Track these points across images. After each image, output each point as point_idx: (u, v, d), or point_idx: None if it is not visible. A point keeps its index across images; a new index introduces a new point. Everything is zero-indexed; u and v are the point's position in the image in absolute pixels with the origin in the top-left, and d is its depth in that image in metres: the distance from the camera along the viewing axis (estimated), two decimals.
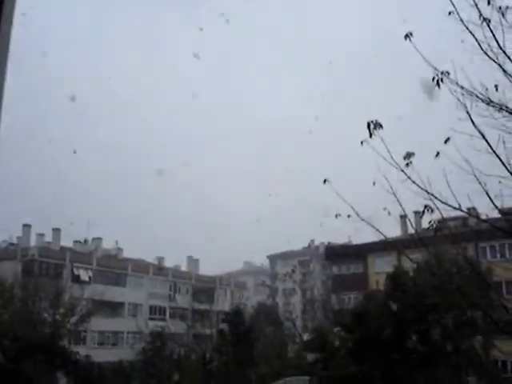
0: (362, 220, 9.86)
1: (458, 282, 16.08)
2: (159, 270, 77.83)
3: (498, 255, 42.96)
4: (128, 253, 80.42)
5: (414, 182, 9.52)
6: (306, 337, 50.64)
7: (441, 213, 9.80)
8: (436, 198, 9.58)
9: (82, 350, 44.52)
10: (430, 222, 9.87)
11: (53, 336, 44.81)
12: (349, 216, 9.87)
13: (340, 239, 67.99)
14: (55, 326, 49.31)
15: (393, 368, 29.29)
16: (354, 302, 44.69)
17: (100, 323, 61.12)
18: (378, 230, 10.20)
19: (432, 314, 30.57)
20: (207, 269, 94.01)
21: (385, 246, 49.04)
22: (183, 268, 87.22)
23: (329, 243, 79.06)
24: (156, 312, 74.23)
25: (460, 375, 30.51)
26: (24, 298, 50.80)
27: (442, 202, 9.60)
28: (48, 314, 50.20)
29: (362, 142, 9.48)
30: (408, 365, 29.36)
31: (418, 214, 10.28)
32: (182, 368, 42.92)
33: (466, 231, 36.05)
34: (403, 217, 10.70)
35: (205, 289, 79.31)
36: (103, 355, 56.23)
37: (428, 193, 9.56)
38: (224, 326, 42.09)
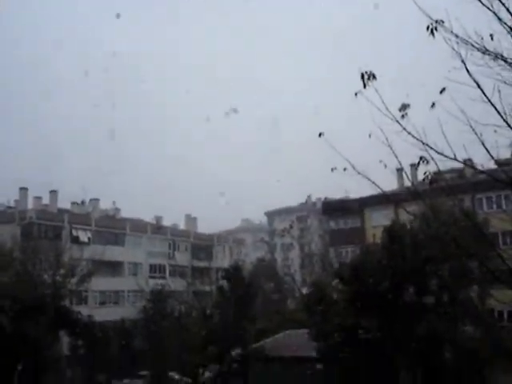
0: (359, 173, 9.83)
1: (455, 233, 16.16)
2: (157, 228, 78.15)
3: (495, 206, 43.09)
4: (126, 213, 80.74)
5: (409, 133, 9.48)
6: (304, 291, 51.20)
7: (436, 164, 9.79)
8: (431, 148, 9.54)
9: (83, 310, 44.91)
10: (425, 173, 9.86)
11: (54, 297, 45.23)
12: (345, 169, 9.84)
13: (337, 194, 68.13)
14: (56, 287, 49.68)
15: (390, 319, 29.70)
16: (351, 255, 44.98)
17: (101, 283, 61.65)
18: (374, 182, 10.19)
19: (428, 266, 30.83)
20: (205, 227, 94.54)
21: (381, 200, 49.23)
22: (181, 227, 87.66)
23: (326, 198, 79.28)
24: (156, 270, 74.82)
25: (456, 325, 30.94)
26: (24, 260, 51.04)
27: (438, 153, 9.57)
28: (48, 276, 50.51)
29: (356, 94, 9.39)
30: (405, 316, 29.75)
31: (414, 167, 10.23)
32: (182, 325, 43.38)
33: (462, 183, 36.12)
34: (399, 170, 10.65)
35: (203, 246, 79.84)
36: (105, 314, 56.89)
37: (423, 143, 9.52)
38: (223, 283, 42.39)
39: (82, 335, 45.73)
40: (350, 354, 29.87)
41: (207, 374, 43.43)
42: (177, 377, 41.97)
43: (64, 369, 42.68)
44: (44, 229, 62.87)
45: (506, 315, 36.87)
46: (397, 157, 9.70)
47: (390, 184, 16.11)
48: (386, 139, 9.56)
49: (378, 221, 49.07)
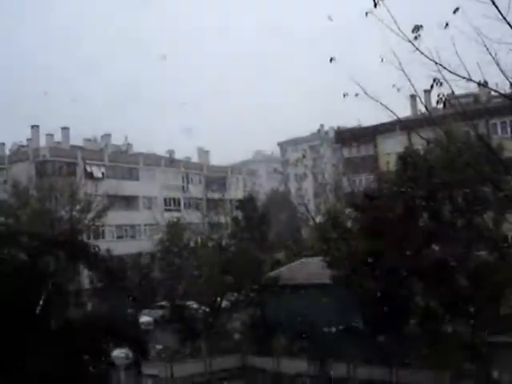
0: (371, 98, 9.59)
1: (469, 159, 15.98)
2: (170, 162, 78.27)
3: (510, 131, 42.57)
4: (138, 148, 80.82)
5: (422, 53, 9.18)
6: (318, 219, 51.54)
7: (450, 86, 9.52)
8: (445, 68, 9.25)
9: (101, 244, 45.18)
10: (438, 95, 9.61)
11: (71, 232, 45.94)
12: (357, 95, 9.61)
13: (350, 123, 67.52)
14: (73, 223, 50.47)
15: (403, 244, 29.85)
16: (365, 183, 45.01)
17: (117, 217, 62.41)
18: (387, 107, 9.97)
19: (443, 192, 30.72)
20: (218, 159, 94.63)
21: (395, 127, 48.87)
22: (194, 159, 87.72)
23: (338, 127, 78.62)
24: (170, 203, 75.42)
25: (470, 250, 31.05)
26: (40, 197, 51.67)
27: (451, 73, 9.28)
28: (65, 212, 51.22)
29: (366, 13, 9.05)
30: (419, 242, 29.88)
31: (428, 93, 9.98)
32: (199, 256, 44.01)
33: (476, 108, 35.52)
34: (413, 96, 10.39)
35: (217, 179, 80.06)
36: (122, 248, 57.79)
37: (436, 63, 9.22)
38: (238, 214, 42.72)
39: (101, 268, 46.64)
40: (364, 280, 30.19)
41: (224, 303, 44.34)
42: (195, 306, 42.85)
43: (85, 303, 43.68)
44: (58, 166, 63.20)
45: None
46: (410, 80, 9.45)
47: (403, 111, 15.85)
48: (399, 63, 9.29)
49: (391, 148, 48.73)
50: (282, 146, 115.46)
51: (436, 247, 29.51)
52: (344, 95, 9.89)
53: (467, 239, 30.74)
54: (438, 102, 9.81)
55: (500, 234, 31.85)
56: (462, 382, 26.24)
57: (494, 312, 30.77)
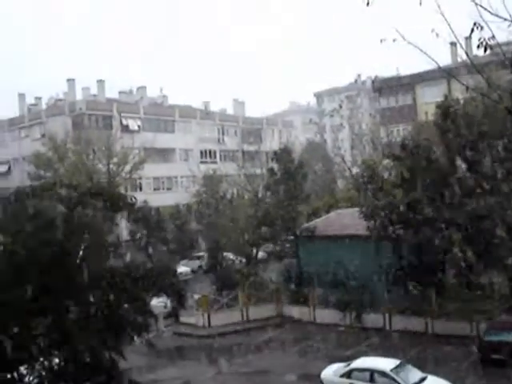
0: (409, 43, 9.29)
1: (511, 107, 15.47)
2: (206, 114, 78.13)
3: None
4: (173, 100, 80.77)
5: None
6: (354, 170, 51.13)
7: (491, 30, 9.15)
8: (485, 9, 8.88)
9: (138, 196, 46.01)
10: (479, 39, 9.24)
11: (109, 184, 46.59)
12: (394, 40, 9.32)
13: (387, 72, 66.19)
14: (110, 175, 51.10)
15: (442, 196, 29.50)
16: (402, 134, 44.27)
17: (153, 170, 62.93)
18: (425, 53, 9.64)
19: (482, 142, 30.08)
20: (254, 111, 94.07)
21: (434, 76, 47.69)
22: (229, 111, 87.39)
23: (376, 76, 77.14)
24: (206, 155, 75.64)
25: (510, 202, 30.50)
26: (77, 150, 52.31)
27: (492, 14, 8.90)
28: (102, 165, 51.83)
29: None
30: (457, 192, 29.47)
31: (469, 40, 9.60)
32: (235, 207, 44.30)
33: None
34: (453, 44, 10.02)
35: (252, 130, 79.75)
36: (159, 200, 58.52)
37: (476, 4, 8.84)
38: (274, 165, 42.55)
39: (139, 220, 47.35)
40: (401, 231, 30.04)
41: (261, 254, 44.74)
42: (231, 257, 43.37)
43: (124, 253, 44.50)
44: (94, 119, 63.67)
45: None
46: (450, 25, 9.11)
47: (443, 60, 15.37)
48: (438, 6, 8.95)
49: (430, 97, 47.75)
50: (318, 96, 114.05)
51: (475, 198, 29.04)
52: (381, 41, 9.60)
53: (507, 190, 30.16)
54: (478, 47, 9.45)
55: None
56: (496, 332, 26.12)
57: None
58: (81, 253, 17.07)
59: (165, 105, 78.67)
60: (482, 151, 30.24)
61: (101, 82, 70.60)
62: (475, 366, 25.45)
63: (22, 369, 15.69)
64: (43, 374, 15.82)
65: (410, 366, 22.69)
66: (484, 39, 9.25)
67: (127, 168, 53.82)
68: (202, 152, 75.60)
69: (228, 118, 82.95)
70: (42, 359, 15.73)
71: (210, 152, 76.58)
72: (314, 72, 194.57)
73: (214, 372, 27.92)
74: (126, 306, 16.76)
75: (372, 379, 21.84)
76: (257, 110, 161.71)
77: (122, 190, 46.78)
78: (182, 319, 36.24)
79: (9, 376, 15.49)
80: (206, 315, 35.38)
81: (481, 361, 25.58)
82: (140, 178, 61.50)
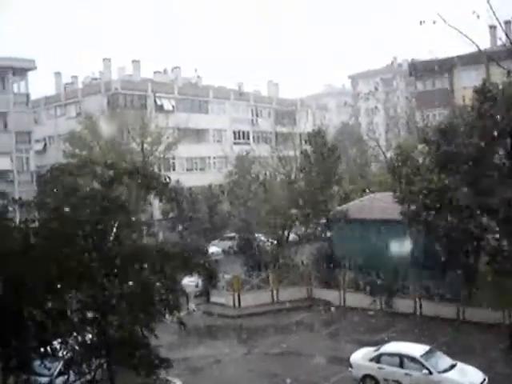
0: (449, 26, 9.10)
1: None
2: (240, 95, 77.98)
3: None
4: (207, 80, 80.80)
5: None
6: (389, 154, 50.62)
7: None
8: None
9: (171, 176, 46.37)
10: None
11: (143, 164, 46.91)
12: (434, 22, 9.13)
13: (424, 55, 65.11)
14: (144, 155, 51.46)
15: (478, 182, 29.04)
16: (439, 118, 43.57)
17: (187, 150, 63.19)
18: (466, 36, 9.45)
19: None
20: (288, 92, 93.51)
21: (472, 59, 46.68)
22: (263, 93, 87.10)
23: (412, 59, 75.96)
24: (240, 136, 75.63)
25: None
26: (112, 129, 52.74)
27: None
28: (136, 144, 52.21)
29: None
30: (494, 179, 28.99)
31: (510, 24, 9.37)
32: (268, 189, 44.24)
33: None
34: (493, 27, 9.80)
35: (286, 112, 79.29)
36: (192, 180, 58.83)
37: None
38: (307, 147, 42.34)
39: (172, 199, 47.57)
40: (435, 217, 29.69)
41: (292, 237, 44.70)
42: (263, 238, 43.44)
43: (156, 232, 44.97)
44: (129, 99, 64.08)
45: None
46: (491, 7, 8.87)
47: (482, 44, 15.04)
48: None
49: (468, 81, 46.74)
50: (354, 78, 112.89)
51: (511, 185, 28.52)
52: (421, 22, 9.43)
53: None
54: None
55: None
56: None
57: None
58: (115, 230, 17.29)
59: (199, 85, 78.74)
60: None
61: (136, 62, 70.95)
62: (506, 355, 25.20)
63: (56, 343, 16.02)
64: (76, 348, 16.15)
65: (439, 353, 22.57)
66: None
67: (161, 148, 54.10)
68: (235, 133, 75.59)
69: (262, 99, 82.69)
70: (75, 334, 16.04)
71: (243, 133, 76.53)
72: (349, 54, 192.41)
73: (243, 352, 28.13)
74: (158, 284, 16.96)
75: (401, 364, 21.79)
76: (291, 92, 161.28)
77: (156, 170, 47.06)
78: (213, 299, 36.60)
79: (42, 349, 15.84)
80: (236, 295, 35.61)
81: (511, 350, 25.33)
82: (173, 158, 61.84)
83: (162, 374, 17.50)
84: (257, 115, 79.16)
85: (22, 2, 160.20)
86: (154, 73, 75.79)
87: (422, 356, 21.68)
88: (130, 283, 16.42)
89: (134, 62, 70.99)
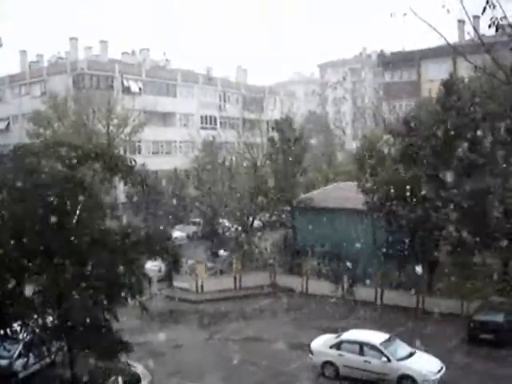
0: (420, 19, 9.17)
1: None
2: (208, 79, 77.45)
3: None
4: (176, 64, 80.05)
5: None
6: (355, 144, 51.02)
7: (503, 10, 9.03)
8: None
9: (137, 159, 45.87)
10: (491, 18, 9.11)
11: (108, 146, 46.33)
12: (405, 15, 9.20)
13: (393, 47, 65.61)
14: (110, 137, 50.85)
15: (441, 173, 29.47)
16: (405, 109, 44.01)
17: (153, 133, 62.65)
18: (435, 29, 9.53)
19: (485, 123, 29.96)
20: (256, 79, 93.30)
21: (440, 53, 47.22)
22: (232, 78, 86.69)
23: (381, 51, 76.51)
24: (207, 121, 75.19)
25: (508, 183, 30.55)
26: (77, 110, 51.94)
27: None
28: (102, 126, 51.51)
29: None
30: (456, 171, 29.45)
31: (477, 19, 9.47)
32: (233, 174, 44.20)
33: None
34: (461, 21, 9.91)
35: (254, 98, 79.21)
36: (158, 164, 58.31)
37: None
38: (274, 134, 42.37)
39: (137, 182, 47.03)
40: (398, 208, 30.08)
41: (256, 223, 44.82)
42: (227, 224, 43.46)
43: (120, 215, 44.58)
44: (95, 79, 63.07)
45: None
46: (461, 2, 8.96)
47: (449, 38, 15.17)
48: None
49: (434, 75, 47.32)
50: (322, 67, 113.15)
51: (474, 178, 29.03)
52: (391, 15, 9.49)
53: (506, 172, 30.16)
54: (490, 26, 9.34)
55: None
56: (486, 312, 26.42)
57: None
58: (78, 213, 17.09)
59: (167, 68, 77.96)
60: (483, 131, 30.13)
61: (103, 43, 69.84)
62: (463, 345, 25.77)
63: (16, 325, 15.83)
64: (36, 331, 15.98)
65: (398, 341, 22.94)
66: (496, 18, 9.13)
67: (127, 130, 53.55)
68: (202, 117, 75.13)
69: (230, 84, 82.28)
70: (35, 316, 15.86)
71: (210, 118, 76.12)
72: (318, 43, 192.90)
73: (205, 337, 28.18)
74: (120, 267, 16.85)
75: (361, 352, 22.10)
76: (259, 79, 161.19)
77: (121, 152, 46.57)
78: (176, 284, 36.51)
79: (2, 331, 15.64)
80: (199, 281, 35.61)
81: (469, 340, 25.90)
82: (139, 141, 61.24)
83: (123, 358, 17.46)
84: (225, 100, 78.78)
85: None
86: (122, 54, 74.72)
87: (381, 344, 22.02)
88: (93, 266, 16.29)
89: (101, 42, 69.85)
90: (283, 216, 41.83)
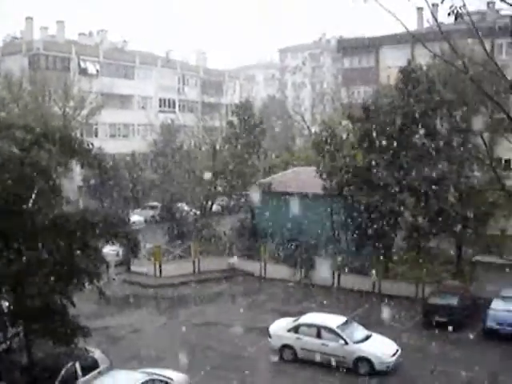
0: (380, 5, 9.21)
1: (473, 75, 15.64)
2: (167, 62, 76.58)
3: None
4: (134, 46, 78.89)
5: None
6: (314, 130, 51.29)
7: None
8: None
9: (94, 142, 45.16)
10: (451, 6, 9.21)
11: (65, 128, 45.46)
12: (365, 1, 9.22)
13: (353, 33, 65.98)
14: (66, 119, 49.91)
15: (398, 160, 29.89)
16: (364, 96, 44.37)
17: (110, 116, 61.69)
18: (394, 15, 9.59)
19: (442, 109, 30.47)
20: (216, 63, 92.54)
21: (398, 40, 47.72)
22: (192, 62, 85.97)
23: (341, 36, 76.84)
24: (165, 105, 74.42)
25: (464, 170, 31.22)
26: (33, 92, 50.77)
27: None
28: (58, 108, 50.52)
29: None
30: (413, 157, 29.91)
31: (436, 7, 9.56)
32: (192, 158, 43.98)
33: (483, 26, 34.57)
34: (420, 9, 9.99)
35: (214, 82, 78.78)
36: (115, 147, 57.55)
37: None
38: (233, 119, 42.27)
39: (94, 166, 46.32)
40: (356, 193, 30.42)
41: (215, 207, 44.78)
42: (186, 208, 43.30)
43: (77, 199, 43.94)
44: (52, 60, 61.68)
45: None
46: None
47: (408, 26, 15.31)
48: None
49: (393, 62, 47.85)
50: (282, 52, 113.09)
51: (430, 164, 29.54)
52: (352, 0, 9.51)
53: (461, 158, 30.80)
54: (449, 14, 9.45)
55: (494, 156, 31.89)
56: (440, 296, 27.05)
57: (481, 232, 31.39)
58: (33, 196, 16.78)
59: (125, 50, 76.76)
60: (440, 118, 30.65)
61: (60, 23, 68.31)
62: (418, 327, 26.32)
63: None
64: None
65: (355, 324, 23.29)
66: (455, 7, 9.24)
67: (84, 112, 52.65)
68: (160, 101, 74.31)
69: (189, 67, 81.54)
70: None
71: (169, 101, 75.35)
72: (278, 28, 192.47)
73: (163, 322, 28.12)
74: (77, 252, 16.65)
75: (319, 335, 22.35)
76: (219, 63, 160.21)
77: (78, 135, 45.79)
78: (134, 268, 36.23)
79: None
80: (157, 265, 35.42)
81: (424, 322, 26.45)
82: (96, 124, 60.28)
83: (81, 343, 17.30)
84: (184, 84, 78.05)
85: None
86: (79, 35, 73.24)
87: (338, 327, 22.31)
88: (49, 251, 16.05)
89: (58, 22, 68.30)
90: (242, 200, 41.87)
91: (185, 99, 75.96)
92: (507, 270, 29.61)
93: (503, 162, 34.94)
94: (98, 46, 69.83)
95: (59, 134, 18.28)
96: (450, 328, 25.25)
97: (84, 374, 18.12)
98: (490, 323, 25.08)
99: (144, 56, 74.11)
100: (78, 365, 18.01)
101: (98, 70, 65.55)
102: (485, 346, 24.08)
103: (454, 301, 26.32)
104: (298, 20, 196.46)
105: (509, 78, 23.91)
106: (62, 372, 17.34)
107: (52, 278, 15.75)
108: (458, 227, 30.08)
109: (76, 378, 17.79)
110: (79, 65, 63.48)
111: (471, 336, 24.95)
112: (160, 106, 73.47)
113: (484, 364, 21.94)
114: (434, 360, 22.13)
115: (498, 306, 25.57)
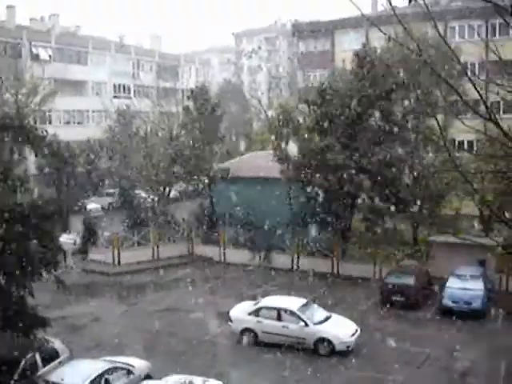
0: None
1: (427, 58, 15.87)
2: (121, 47, 75.40)
3: (467, 35, 42.27)
4: (87, 31, 77.49)
5: None
6: (270, 113, 51.30)
7: None
8: None
9: (48, 129, 44.23)
10: None
11: (17, 116, 44.48)
12: None
13: (308, 17, 66.06)
14: (19, 106, 48.78)
15: (354, 143, 30.21)
16: (319, 79, 44.56)
17: (64, 102, 60.56)
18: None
19: (397, 93, 30.83)
20: (171, 47, 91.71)
21: (353, 23, 48.07)
22: (146, 46, 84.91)
23: (296, 20, 76.89)
24: (120, 90, 73.38)
25: (418, 151, 31.75)
26: None
27: None
28: (10, 95, 49.33)
29: None
30: (369, 140, 30.27)
31: None
32: (149, 144, 43.54)
33: (436, 10, 35.03)
34: None
35: (169, 67, 77.97)
36: (70, 134, 56.48)
37: None
38: (189, 103, 41.92)
39: (48, 153, 45.62)
40: (313, 176, 30.66)
41: (173, 193, 44.53)
42: (143, 195, 42.97)
43: (32, 188, 43.05)
44: (2, 46, 60.05)
45: (465, 145, 37.99)
46: None
47: (363, 9, 15.38)
48: None
49: (348, 45, 48.24)
50: (237, 36, 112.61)
51: (385, 147, 29.94)
52: None
53: (416, 141, 31.31)
54: None
55: (447, 138, 32.43)
56: (397, 276, 27.58)
57: (436, 213, 32.08)
58: None
59: (78, 35, 75.28)
60: (395, 101, 31.04)
61: (10, 8, 66.51)
62: (376, 307, 26.80)
63: None
64: None
65: (315, 306, 23.57)
66: None
67: (36, 99, 51.54)
68: (115, 86, 73.22)
69: (144, 52, 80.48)
70: None
71: (123, 87, 74.32)
72: (233, 12, 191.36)
73: (124, 309, 27.96)
74: (34, 241, 16.39)
75: (279, 317, 22.55)
76: (174, 48, 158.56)
77: (31, 123, 44.83)
78: (92, 256, 35.84)
79: None
80: (115, 253, 35.11)
81: (382, 302, 26.94)
82: (50, 111, 59.09)
83: (40, 333, 17.08)
84: (138, 69, 77.04)
85: None
86: (30, 20, 71.49)
87: (298, 309, 22.56)
88: (4, 241, 15.74)
89: (8, 7, 66.47)
90: (200, 186, 41.72)
91: (140, 84, 74.99)
92: (462, 249, 30.31)
93: (457, 143, 35.62)
94: (50, 31, 68.25)
95: (12, 122, 17.92)
96: (407, 307, 25.82)
97: (44, 365, 17.91)
98: (446, 301, 25.73)
99: (97, 41, 72.84)
100: (37, 356, 17.79)
101: (50, 56, 64.13)
102: (441, 324, 24.70)
103: (410, 280, 26.90)
104: (252, 4, 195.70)
105: (462, 60, 24.50)
106: (22, 364, 17.11)
107: (8, 269, 15.49)
108: (414, 208, 30.65)
109: (36, 369, 17.58)
110: (31, 51, 62.00)
111: (428, 314, 25.59)
112: (115, 92, 72.40)
113: (440, 341, 22.51)
114: (393, 338, 22.41)
115: (453, 285, 26.25)
